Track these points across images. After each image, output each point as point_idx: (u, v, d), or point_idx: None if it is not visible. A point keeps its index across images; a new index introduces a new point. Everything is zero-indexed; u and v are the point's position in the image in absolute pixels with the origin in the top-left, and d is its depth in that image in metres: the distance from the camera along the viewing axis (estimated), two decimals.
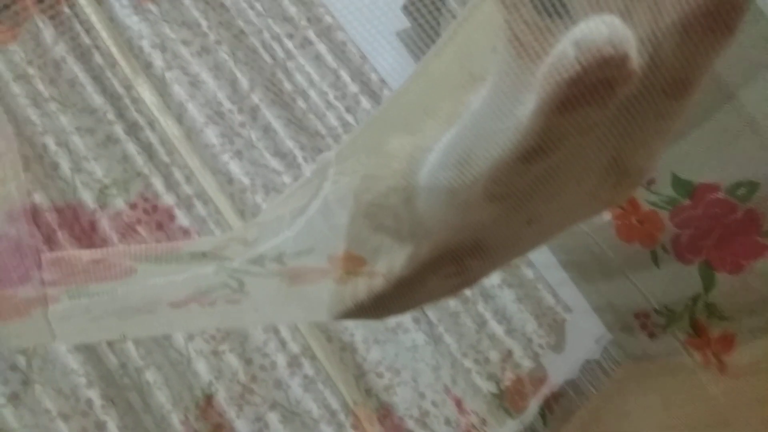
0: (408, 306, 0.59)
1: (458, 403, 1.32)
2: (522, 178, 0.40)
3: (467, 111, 0.43)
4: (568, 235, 1.28)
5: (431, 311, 1.38)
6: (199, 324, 0.73)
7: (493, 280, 1.44)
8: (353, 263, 0.54)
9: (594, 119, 0.35)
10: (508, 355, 1.39)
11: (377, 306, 0.54)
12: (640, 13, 0.34)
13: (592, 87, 0.32)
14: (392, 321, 1.34)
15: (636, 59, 0.32)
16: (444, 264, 0.50)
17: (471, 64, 0.44)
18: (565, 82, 0.32)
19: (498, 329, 1.40)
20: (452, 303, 1.39)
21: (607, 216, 1.32)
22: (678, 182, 1.18)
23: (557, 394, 1.44)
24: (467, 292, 1.42)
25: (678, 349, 1.34)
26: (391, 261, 0.51)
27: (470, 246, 0.49)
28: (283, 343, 1.20)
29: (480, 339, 1.39)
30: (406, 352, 1.32)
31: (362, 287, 0.54)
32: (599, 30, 0.31)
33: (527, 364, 1.39)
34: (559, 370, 1.46)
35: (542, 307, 1.45)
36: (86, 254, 0.48)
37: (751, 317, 1.22)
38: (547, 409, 1.41)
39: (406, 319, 1.35)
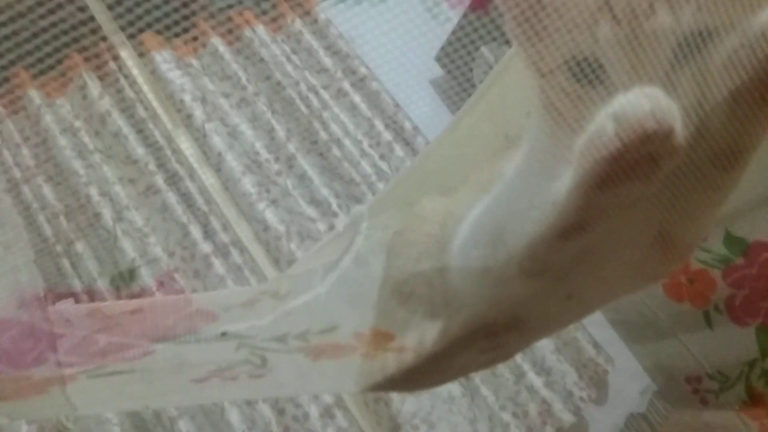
0: (441, 380, 0.57)
1: None
2: (560, 254, 0.38)
3: (500, 181, 0.42)
4: None
5: None
6: (222, 397, 0.72)
7: None
8: (381, 339, 0.53)
9: (637, 194, 0.33)
10: (548, 408, 1.34)
11: (408, 380, 0.52)
12: (685, 83, 0.32)
13: (634, 163, 0.31)
14: None
15: (681, 132, 0.30)
16: (478, 339, 0.48)
17: (506, 125, 0.43)
18: (605, 159, 0.31)
19: (537, 381, 1.36)
20: None
21: None
22: (731, 240, 1.14)
23: None
24: None
25: (732, 417, 1.26)
26: (422, 335, 0.49)
27: (506, 321, 0.47)
28: (316, 395, 1.18)
29: (518, 391, 1.35)
30: (442, 404, 1.28)
31: (392, 362, 0.52)
32: (640, 103, 0.30)
33: (568, 418, 1.33)
34: (602, 424, 1.40)
35: (582, 359, 1.40)
36: (103, 337, 0.48)
37: None
38: None
39: None
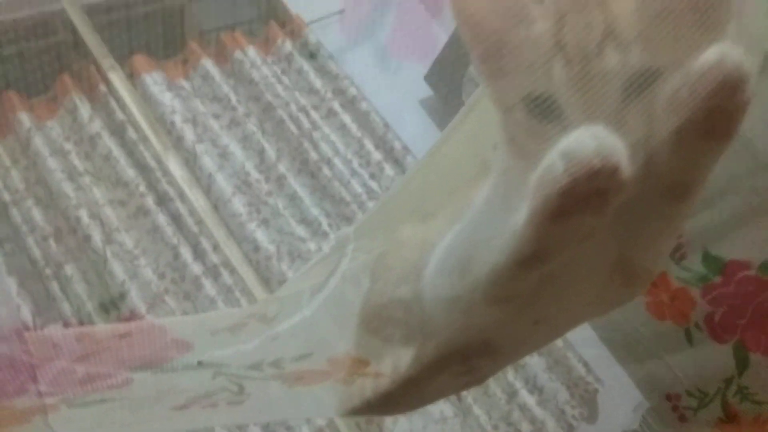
0: (417, 403, 0.58)
1: None
2: (523, 282, 0.39)
3: (470, 211, 0.43)
4: None
5: None
6: (203, 423, 0.72)
7: None
8: (356, 365, 0.54)
9: (590, 226, 0.34)
10: (541, 427, 1.34)
11: (385, 404, 0.53)
12: (634, 120, 0.34)
13: (584, 198, 0.32)
14: None
15: (628, 168, 0.32)
16: (451, 363, 0.49)
17: (483, 152, 0.44)
18: (556, 194, 0.32)
19: (529, 399, 1.36)
20: None
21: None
22: (709, 259, 1.17)
23: None
24: None
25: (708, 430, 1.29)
26: (397, 361, 0.50)
27: (477, 346, 0.47)
28: (297, 419, 1.18)
29: (511, 410, 1.34)
30: (434, 424, 1.28)
31: (368, 386, 0.53)
32: (587, 142, 0.31)
33: None
34: None
35: (573, 377, 1.40)
36: (81, 368, 0.48)
37: None
38: None
39: None
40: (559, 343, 1.44)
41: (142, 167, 1.32)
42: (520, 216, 0.35)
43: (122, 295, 1.17)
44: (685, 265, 1.20)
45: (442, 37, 1.72)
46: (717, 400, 1.26)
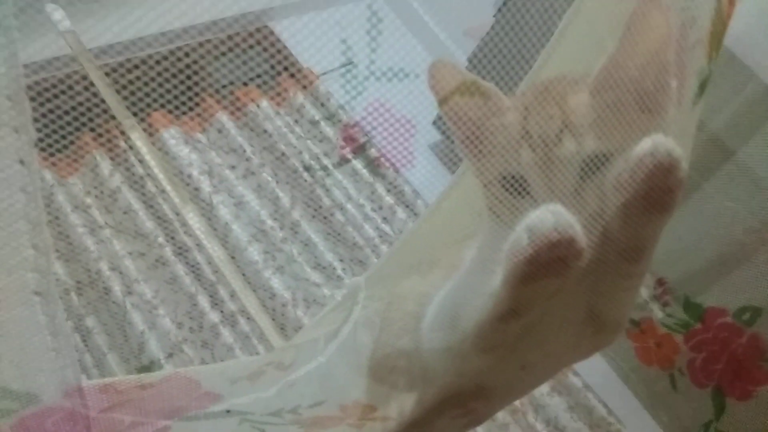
0: None
1: None
2: (504, 334, 0.45)
3: (461, 269, 0.49)
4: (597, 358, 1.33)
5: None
6: None
7: (542, 388, 1.39)
8: (366, 411, 0.58)
9: (556, 286, 0.40)
10: None
11: None
12: (589, 197, 0.40)
13: (546, 264, 0.37)
14: None
15: (583, 239, 0.37)
16: (449, 407, 0.53)
17: (476, 212, 0.48)
18: (522, 262, 0.38)
19: None
20: (500, 414, 1.33)
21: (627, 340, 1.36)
22: (689, 305, 1.24)
23: None
24: (516, 401, 1.36)
25: None
26: (402, 406, 0.55)
27: (472, 390, 0.52)
28: None
29: None
30: None
31: (378, 430, 0.57)
32: (547, 218, 0.37)
33: None
34: None
35: (595, 418, 1.38)
36: (127, 417, 0.53)
37: None
38: None
39: None
40: (577, 383, 1.41)
41: (160, 219, 1.35)
42: (496, 279, 0.40)
43: (141, 346, 1.19)
44: (669, 312, 1.27)
45: None
46: None
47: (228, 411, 0.56)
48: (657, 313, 1.28)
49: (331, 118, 1.66)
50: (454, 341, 0.48)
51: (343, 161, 1.61)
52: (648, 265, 0.46)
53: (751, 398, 1.20)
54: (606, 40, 0.47)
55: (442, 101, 0.43)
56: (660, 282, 1.25)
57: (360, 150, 1.63)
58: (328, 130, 1.63)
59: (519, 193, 0.42)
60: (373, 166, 1.61)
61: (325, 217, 1.51)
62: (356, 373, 0.61)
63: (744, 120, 1.02)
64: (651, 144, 0.37)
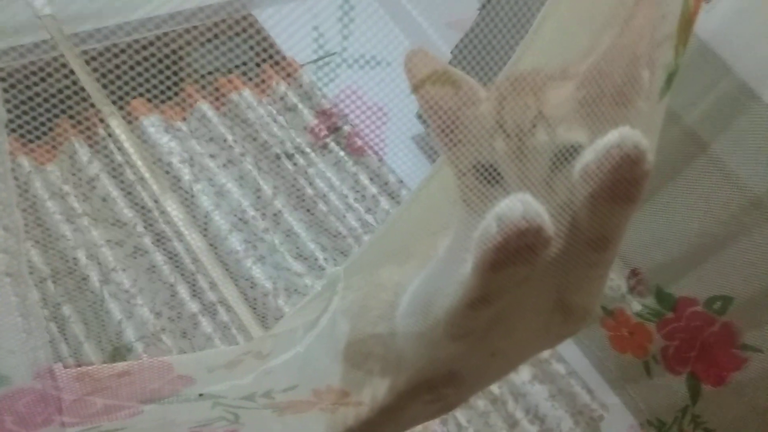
0: (394, 430, 0.63)
1: None
2: (474, 321, 0.45)
3: (434, 258, 0.50)
4: (571, 346, 1.40)
5: (459, 412, 1.34)
6: None
7: (523, 376, 1.40)
8: (339, 396, 0.58)
9: (525, 274, 0.40)
10: None
11: (365, 431, 0.57)
12: (559, 187, 0.41)
13: (515, 252, 0.38)
14: (419, 425, 1.30)
15: (551, 228, 0.38)
16: (421, 392, 0.54)
17: (452, 203, 0.49)
18: (492, 250, 0.38)
19: (531, 430, 1.34)
20: (481, 403, 1.35)
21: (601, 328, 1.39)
22: (661, 295, 1.26)
23: None
24: (496, 390, 1.37)
25: None
26: (375, 391, 0.55)
27: (444, 376, 0.53)
28: None
29: None
30: None
31: (350, 415, 0.58)
32: (516, 207, 0.37)
33: None
34: None
35: (577, 405, 1.39)
36: (99, 400, 0.54)
37: (733, 427, 1.26)
38: None
39: (433, 421, 1.31)
40: (561, 369, 1.43)
41: (139, 208, 1.34)
42: (467, 267, 0.41)
43: (118, 335, 1.18)
44: (642, 302, 1.30)
45: None
46: (674, 429, 1.34)
47: (201, 395, 0.56)
48: (630, 302, 1.31)
49: (314, 108, 1.66)
50: (426, 328, 0.48)
51: (318, 142, 1.60)
52: (615, 254, 0.46)
53: (725, 384, 1.23)
54: (579, 35, 0.47)
55: (415, 88, 0.44)
56: (634, 272, 1.27)
57: (334, 130, 1.62)
58: (312, 120, 1.62)
59: (491, 183, 0.42)
60: (348, 148, 1.60)
61: (307, 207, 1.50)
62: (333, 360, 0.62)
63: (718, 114, 1.03)
64: (618, 136, 0.38)
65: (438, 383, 0.54)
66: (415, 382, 0.53)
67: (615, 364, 1.39)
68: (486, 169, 0.42)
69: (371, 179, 1.58)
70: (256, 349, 0.72)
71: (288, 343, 0.67)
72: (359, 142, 1.61)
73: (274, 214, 1.45)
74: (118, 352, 1.16)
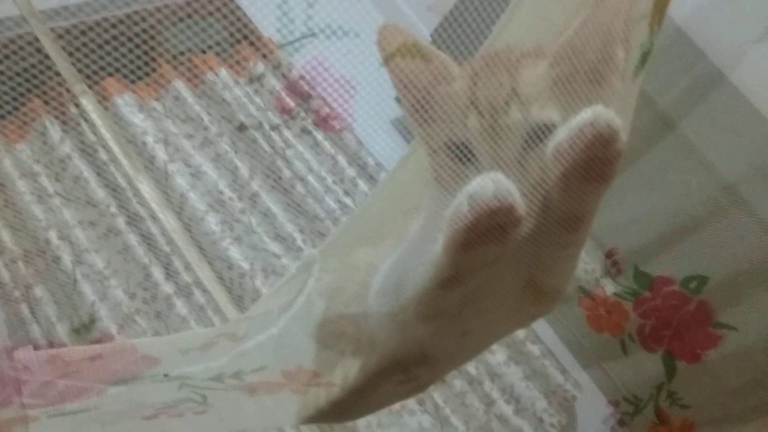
0: (365, 410, 0.63)
1: None
2: (445, 301, 0.45)
3: (406, 239, 0.49)
4: (546, 327, 1.42)
5: (437, 392, 1.35)
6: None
7: (499, 357, 1.41)
8: (309, 377, 0.58)
9: (495, 253, 0.40)
10: None
11: (337, 412, 0.58)
12: (531, 166, 0.40)
13: (486, 231, 0.38)
14: (397, 404, 1.31)
15: (522, 207, 0.37)
16: (393, 373, 0.54)
17: (422, 187, 0.48)
18: (463, 229, 0.38)
19: (507, 409, 1.36)
20: (458, 383, 1.36)
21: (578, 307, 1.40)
22: (638, 275, 1.29)
23: None
24: (473, 370, 1.39)
25: None
26: (346, 372, 0.55)
27: (415, 357, 0.53)
28: (260, 429, 1.17)
29: (489, 420, 1.35)
30: None
31: (322, 396, 0.58)
32: (487, 186, 0.37)
33: None
34: None
35: (551, 385, 1.41)
36: (62, 381, 0.52)
37: (710, 406, 1.29)
38: None
39: (410, 401, 1.32)
40: (536, 351, 1.45)
41: (112, 188, 1.32)
42: (437, 246, 0.40)
43: (93, 319, 1.16)
44: (619, 281, 1.33)
45: None
46: (650, 405, 1.38)
47: (166, 375, 0.55)
48: (607, 282, 1.33)
49: (292, 89, 1.64)
50: (398, 308, 0.48)
51: (305, 133, 1.59)
52: (587, 234, 0.46)
53: (701, 362, 1.26)
54: (553, 13, 0.47)
55: (386, 61, 0.43)
56: (611, 252, 1.29)
57: (303, 102, 1.61)
58: (289, 101, 1.61)
59: (464, 161, 0.42)
60: (316, 121, 1.59)
61: (285, 189, 1.49)
62: (305, 341, 0.61)
63: (691, 98, 1.04)
64: (591, 114, 0.38)
65: (410, 363, 0.54)
66: (387, 363, 0.53)
67: (591, 342, 1.41)
68: (458, 147, 0.42)
69: (349, 162, 1.57)
70: (230, 332, 0.71)
71: (263, 325, 0.66)
72: (326, 115, 1.59)
73: (251, 195, 1.44)
74: (86, 328, 1.14)
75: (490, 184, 0.37)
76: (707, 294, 1.21)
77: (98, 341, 1.15)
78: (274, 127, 1.54)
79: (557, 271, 0.49)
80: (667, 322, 1.28)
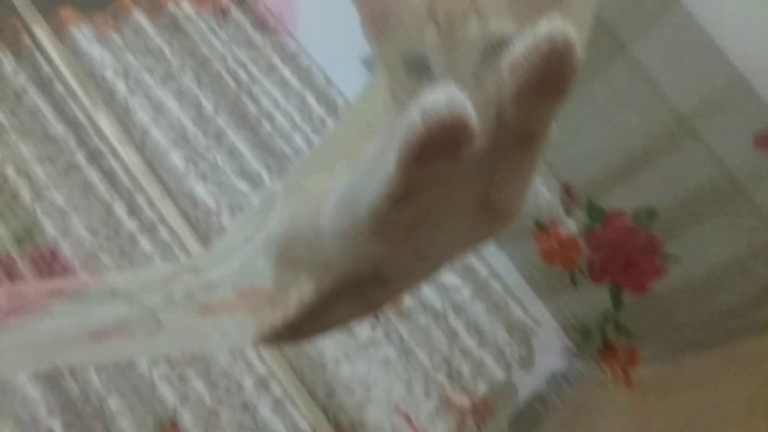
0: (320, 331, 0.64)
1: (430, 418, 1.31)
2: (398, 218, 0.44)
3: (361, 158, 0.48)
4: (500, 260, 1.46)
5: (403, 327, 1.38)
6: (125, 354, 0.76)
7: (464, 293, 1.44)
8: (263, 297, 0.58)
9: (449, 169, 0.40)
10: (481, 367, 1.38)
11: (292, 332, 0.59)
12: (488, 81, 0.40)
13: (439, 146, 0.37)
14: (363, 337, 1.33)
15: (476, 122, 0.37)
16: (347, 293, 0.54)
17: (376, 116, 0.47)
18: (414, 142, 0.37)
19: (470, 342, 1.40)
20: (422, 318, 1.39)
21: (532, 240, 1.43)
22: (592, 208, 1.33)
23: (525, 406, 1.43)
24: (438, 305, 1.42)
25: (592, 365, 1.45)
26: (300, 293, 0.55)
27: (369, 277, 0.53)
28: (249, 366, 1.19)
29: (452, 352, 1.38)
30: (378, 367, 1.31)
31: (277, 316, 0.58)
32: (441, 100, 0.36)
33: (499, 376, 1.38)
34: (528, 383, 1.46)
35: (512, 319, 1.45)
36: (2, 294, 0.52)
37: (653, 335, 1.34)
38: (514, 421, 1.40)
39: (377, 334, 1.34)
40: (499, 288, 1.48)
41: (71, 123, 1.28)
42: (390, 161, 0.40)
43: (54, 254, 1.15)
44: (573, 215, 1.36)
45: None
46: (597, 334, 1.43)
47: (112, 290, 0.55)
48: (562, 216, 1.35)
49: (258, 23, 1.59)
50: (351, 226, 0.48)
51: (271, 69, 1.55)
52: (540, 153, 0.46)
53: (646, 291, 1.30)
54: None
55: None
56: (566, 187, 1.30)
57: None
58: (256, 36, 1.56)
59: (421, 77, 0.41)
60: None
61: (251, 126, 1.46)
62: (262, 262, 0.61)
63: (644, 23, 1.03)
64: (548, 28, 0.37)
65: (364, 284, 0.54)
66: (341, 283, 0.53)
67: (544, 275, 1.45)
68: (415, 61, 0.41)
69: (318, 100, 1.55)
70: (193, 265, 0.71)
71: (225, 258, 0.66)
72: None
73: (217, 132, 1.41)
74: (29, 232, 1.13)
75: (444, 98, 0.36)
76: (656, 227, 1.24)
77: (46, 256, 1.14)
78: (238, 61, 1.50)
79: (511, 190, 0.49)
80: (616, 254, 1.31)
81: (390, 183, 0.41)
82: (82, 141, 1.27)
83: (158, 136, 1.32)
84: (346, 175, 0.51)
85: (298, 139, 1.47)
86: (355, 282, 0.54)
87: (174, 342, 0.65)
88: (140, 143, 1.30)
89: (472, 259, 1.48)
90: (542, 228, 1.37)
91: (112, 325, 0.57)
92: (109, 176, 1.25)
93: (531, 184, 0.52)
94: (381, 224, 0.45)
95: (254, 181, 1.39)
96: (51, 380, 1.08)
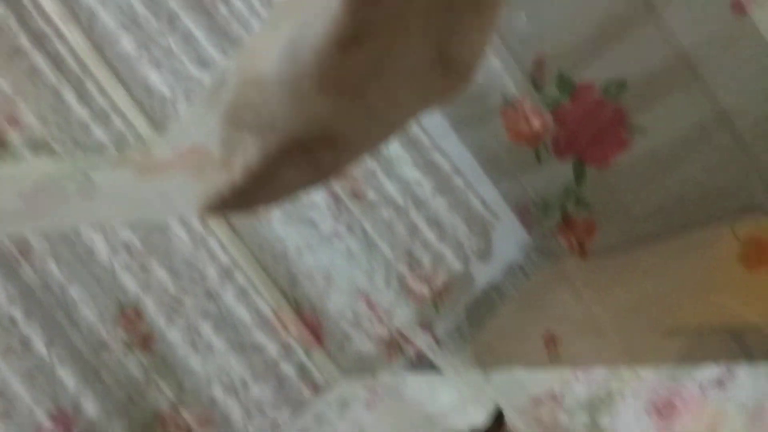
0: (269, 198, 0.61)
1: (391, 305, 1.36)
2: (346, 66, 0.42)
3: (306, 5, 0.44)
4: (463, 155, 1.45)
5: (365, 220, 1.39)
6: (60, 219, 0.74)
7: (425, 187, 1.45)
8: (205, 157, 0.55)
9: (401, 11, 0.37)
10: (441, 259, 1.42)
11: (239, 199, 0.56)
12: None
13: None
14: (326, 229, 1.35)
15: None
16: (295, 156, 0.52)
17: None
18: None
19: (430, 235, 1.43)
20: (384, 211, 1.40)
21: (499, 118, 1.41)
22: (563, 81, 1.28)
23: (482, 295, 1.50)
24: (400, 200, 1.43)
25: (549, 237, 1.48)
26: (246, 156, 0.52)
27: (317, 137, 0.50)
28: (212, 256, 1.20)
29: (413, 244, 1.42)
30: (340, 258, 1.34)
31: (222, 181, 0.55)
32: None
33: (458, 267, 1.43)
34: (486, 273, 1.51)
35: (472, 214, 1.48)
36: None
37: (613, 208, 1.35)
38: (470, 308, 1.47)
39: (340, 227, 1.36)
40: (460, 183, 1.49)
41: (10, 3, 1.19)
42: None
43: (3, 142, 1.11)
44: (542, 90, 1.32)
45: None
46: (556, 207, 1.44)
47: (31, 140, 0.53)
48: (530, 92, 1.33)
49: None
50: (296, 77, 0.45)
51: None
52: (501, 2, 0.44)
53: (609, 166, 1.30)
54: None
55: None
56: (537, 61, 1.27)
57: None
58: None
59: None
60: None
61: (207, 10, 1.38)
62: (207, 120, 0.59)
63: None
64: None
65: (312, 145, 0.51)
66: (288, 143, 0.51)
67: (509, 153, 1.44)
68: None
69: None
70: (146, 149, 0.68)
71: (175, 140, 0.64)
72: None
73: (170, 16, 1.33)
74: None
75: None
76: (626, 99, 1.21)
77: None
78: None
79: (467, 41, 0.47)
80: (582, 128, 1.30)
81: (336, 24, 0.38)
82: (24, 23, 1.19)
83: (106, 18, 1.24)
84: (291, 22, 0.49)
85: (257, 25, 1.40)
86: (303, 143, 0.51)
87: (113, 207, 0.63)
88: (87, 26, 1.23)
89: (435, 155, 1.48)
90: (509, 104, 1.35)
91: (41, 183, 0.55)
92: (55, 61, 1.19)
93: (489, 41, 0.50)
94: (327, 73, 0.43)
95: (211, 68, 1.34)
96: (8, 269, 1.08)
